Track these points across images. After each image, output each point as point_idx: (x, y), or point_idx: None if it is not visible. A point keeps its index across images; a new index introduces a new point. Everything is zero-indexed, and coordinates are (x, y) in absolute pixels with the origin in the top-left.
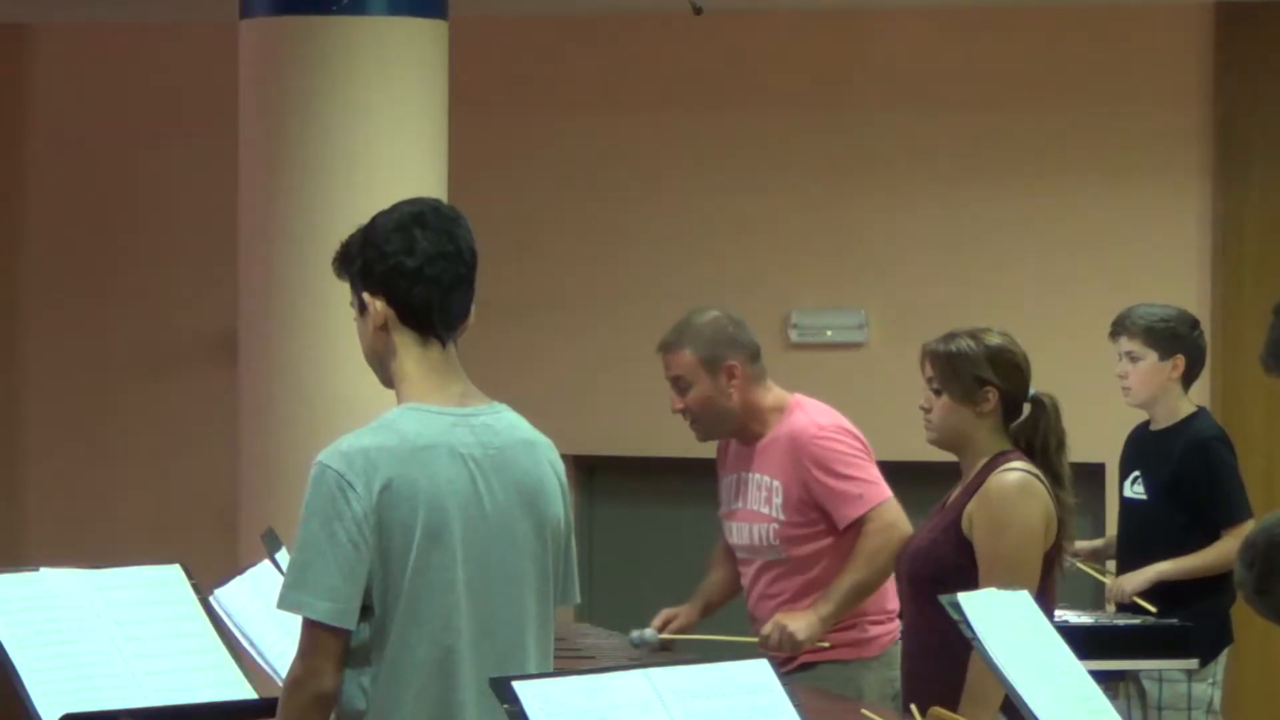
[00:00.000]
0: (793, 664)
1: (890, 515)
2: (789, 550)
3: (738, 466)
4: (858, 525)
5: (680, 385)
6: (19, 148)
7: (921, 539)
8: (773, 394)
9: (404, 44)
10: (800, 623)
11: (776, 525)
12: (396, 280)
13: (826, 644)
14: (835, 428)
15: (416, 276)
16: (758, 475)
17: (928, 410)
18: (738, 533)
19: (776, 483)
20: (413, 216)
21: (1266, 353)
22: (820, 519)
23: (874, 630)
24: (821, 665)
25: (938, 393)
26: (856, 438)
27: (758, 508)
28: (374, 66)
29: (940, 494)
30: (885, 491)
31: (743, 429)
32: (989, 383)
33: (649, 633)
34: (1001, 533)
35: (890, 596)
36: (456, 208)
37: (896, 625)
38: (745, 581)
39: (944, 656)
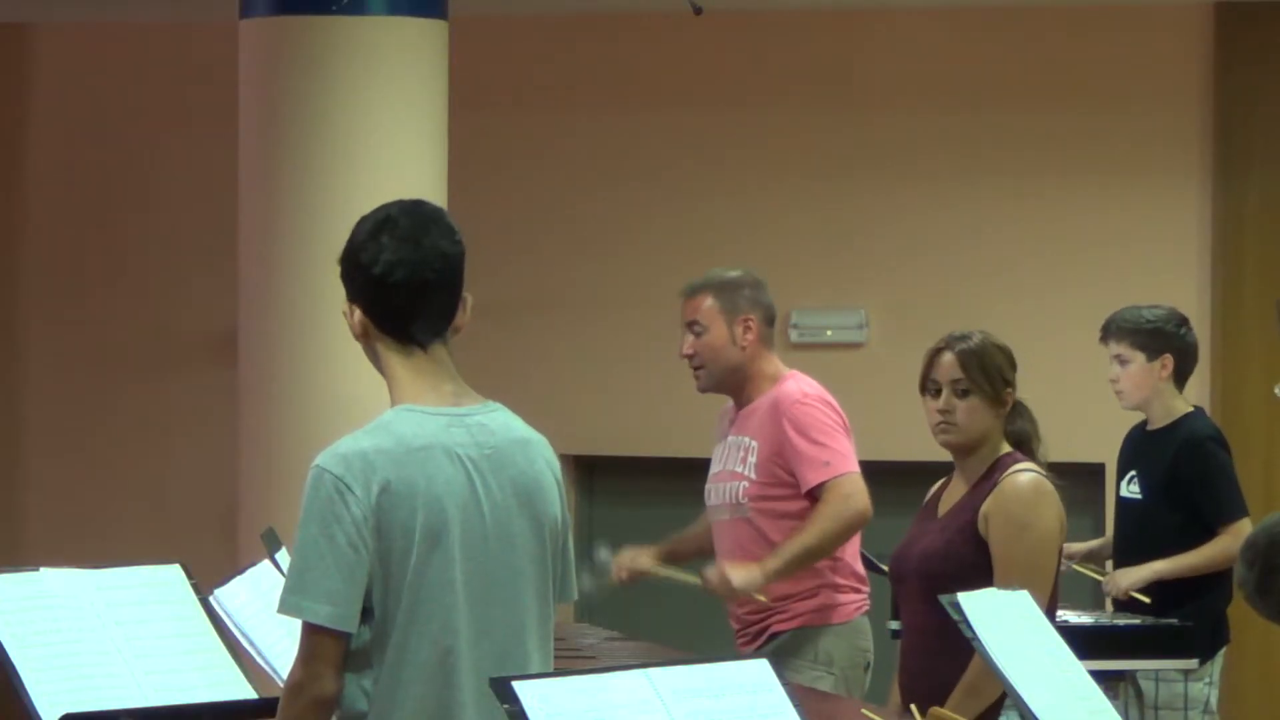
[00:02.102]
0: (762, 638)
1: (850, 487)
2: (755, 508)
3: (724, 433)
4: (819, 492)
5: (695, 329)
6: (19, 148)
7: (931, 539)
8: (773, 364)
9: (404, 44)
10: (741, 571)
11: (746, 484)
12: (367, 288)
13: (763, 598)
14: (818, 398)
15: (382, 284)
16: (738, 437)
17: (947, 412)
18: (714, 494)
19: (754, 443)
20: (380, 222)
21: None
22: (789, 481)
23: (840, 598)
24: (790, 633)
25: (965, 393)
26: (837, 411)
27: (733, 467)
28: (374, 66)
29: None
30: (852, 465)
31: (740, 389)
32: (1010, 383)
33: (603, 553)
34: (1022, 534)
35: (858, 566)
36: (440, 206)
37: (864, 596)
38: (716, 543)
39: (950, 657)
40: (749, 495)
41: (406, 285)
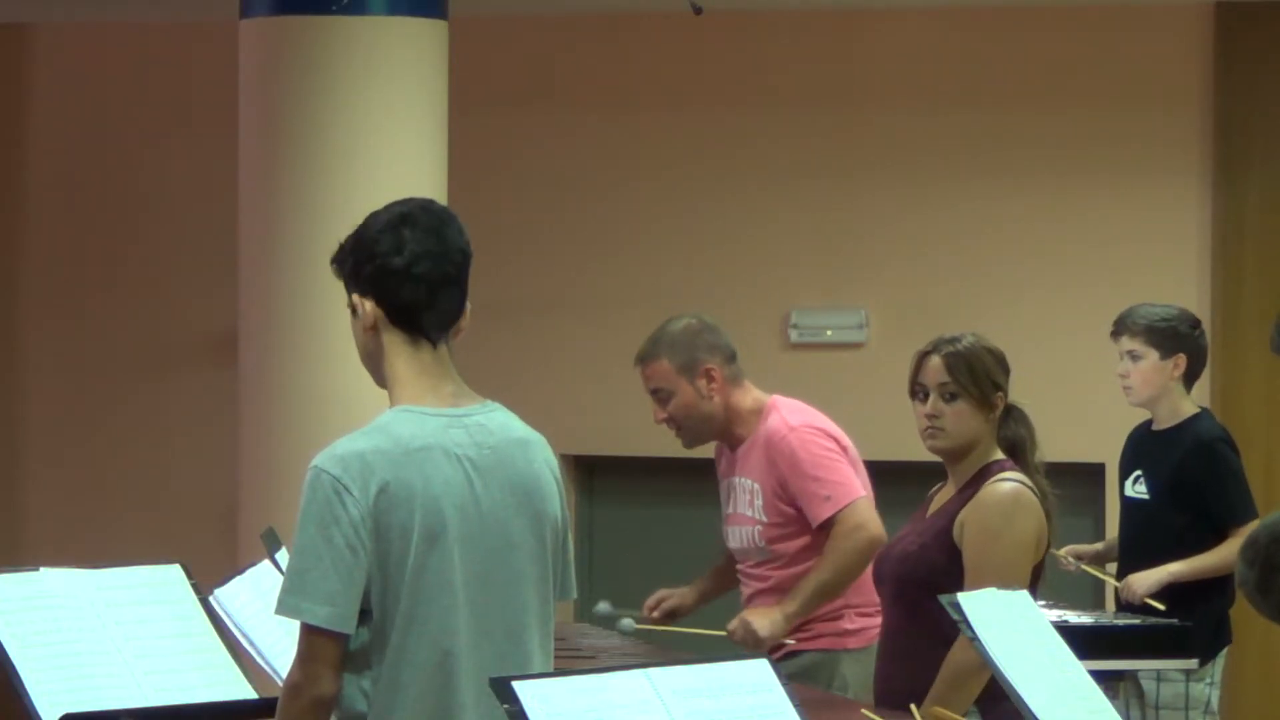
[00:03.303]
0: (779, 652)
1: (859, 517)
2: (775, 548)
3: (728, 473)
4: (829, 526)
5: (661, 396)
6: (19, 148)
7: (909, 544)
8: (751, 396)
9: (404, 44)
10: (764, 620)
11: (760, 527)
12: (384, 280)
13: (791, 641)
14: (806, 427)
15: (404, 276)
16: (741, 479)
17: (935, 417)
18: (732, 536)
19: (756, 485)
20: (401, 216)
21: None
22: (799, 516)
23: (860, 622)
24: (806, 654)
25: (952, 397)
26: (829, 435)
27: (744, 511)
28: (374, 66)
29: None
30: (855, 491)
31: (726, 432)
32: (1000, 387)
33: (626, 623)
34: (993, 542)
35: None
36: (449, 207)
37: None
38: (745, 586)
39: (918, 661)
40: (765, 538)
41: (428, 277)
